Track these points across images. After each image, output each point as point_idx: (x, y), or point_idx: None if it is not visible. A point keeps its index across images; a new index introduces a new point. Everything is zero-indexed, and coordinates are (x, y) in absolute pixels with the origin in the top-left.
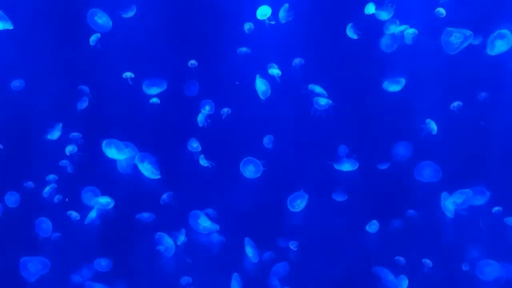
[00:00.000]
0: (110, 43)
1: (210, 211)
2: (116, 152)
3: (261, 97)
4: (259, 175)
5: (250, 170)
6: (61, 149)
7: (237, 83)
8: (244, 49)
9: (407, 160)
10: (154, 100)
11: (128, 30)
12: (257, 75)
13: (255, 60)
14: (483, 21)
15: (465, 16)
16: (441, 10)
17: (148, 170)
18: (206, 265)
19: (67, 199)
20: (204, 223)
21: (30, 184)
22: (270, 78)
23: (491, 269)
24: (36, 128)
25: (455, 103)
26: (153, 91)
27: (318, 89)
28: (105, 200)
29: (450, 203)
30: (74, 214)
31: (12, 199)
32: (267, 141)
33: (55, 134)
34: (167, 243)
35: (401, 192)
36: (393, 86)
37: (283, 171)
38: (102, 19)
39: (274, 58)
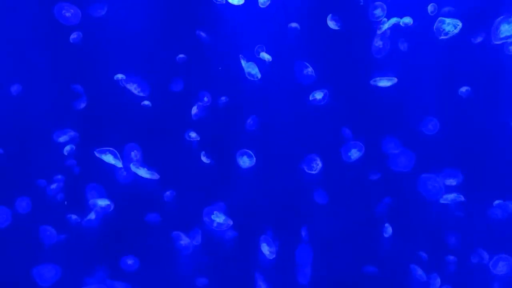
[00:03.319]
0: (97, 41)
1: (220, 206)
2: (112, 158)
3: (248, 77)
4: (253, 164)
5: (245, 161)
6: (61, 150)
7: (219, 68)
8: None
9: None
10: (146, 102)
11: (112, 27)
12: (241, 56)
13: (239, 45)
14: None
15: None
16: (431, 8)
17: (146, 173)
18: (222, 263)
19: (65, 202)
20: (217, 219)
21: (35, 188)
22: (259, 61)
23: (504, 264)
24: (34, 131)
25: (463, 88)
26: (134, 88)
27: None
28: (104, 203)
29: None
30: (74, 217)
31: (21, 204)
32: (259, 127)
33: (62, 137)
34: (184, 241)
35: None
36: (383, 82)
37: (279, 159)
38: (69, 12)
39: (259, 42)
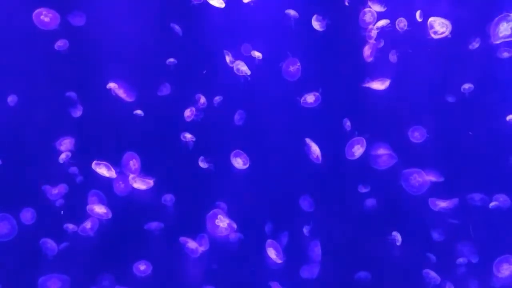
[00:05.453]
0: (83, 48)
1: (222, 210)
2: (106, 171)
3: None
4: (247, 165)
5: (239, 162)
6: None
7: (204, 72)
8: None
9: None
10: (138, 112)
11: (97, 33)
12: (225, 51)
13: (225, 44)
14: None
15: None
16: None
17: (141, 184)
18: (229, 269)
19: (62, 212)
20: (222, 223)
21: (35, 198)
22: (246, 59)
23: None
24: (31, 142)
25: (466, 86)
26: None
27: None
28: (101, 210)
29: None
30: (71, 226)
31: (26, 215)
32: (253, 125)
33: (62, 145)
34: (191, 245)
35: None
36: (376, 84)
37: (274, 157)
38: (48, 17)
39: (245, 40)
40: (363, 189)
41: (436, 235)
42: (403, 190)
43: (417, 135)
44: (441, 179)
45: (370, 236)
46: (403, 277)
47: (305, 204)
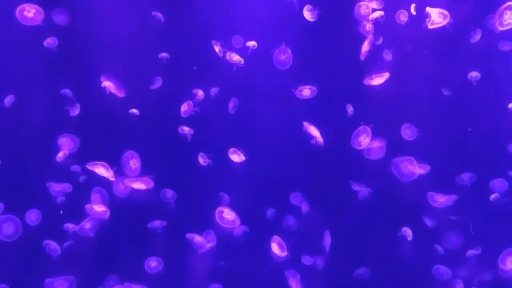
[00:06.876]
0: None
1: (225, 201)
2: (104, 171)
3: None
4: (246, 159)
5: (235, 158)
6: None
7: (194, 68)
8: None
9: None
10: (134, 111)
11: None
12: (213, 41)
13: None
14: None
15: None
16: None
17: (140, 184)
18: (236, 266)
19: (61, 211)
20: (229, 216)
21: (36, 198)
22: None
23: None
24: (28, 141)
25: (473, 74)
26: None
27: None
28: (100, 209)
29: None
30: (71, 226)
31: (32, 216)
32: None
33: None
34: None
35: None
36: (377, 80)
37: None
38: (31, 13)
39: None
40: (356, 187)
41: (429, 221)
42: (402, 183)
43: (412, 131)
44: (428, 168)
45: (373, 229)
46: (409, 270)
47: (305, 195)
